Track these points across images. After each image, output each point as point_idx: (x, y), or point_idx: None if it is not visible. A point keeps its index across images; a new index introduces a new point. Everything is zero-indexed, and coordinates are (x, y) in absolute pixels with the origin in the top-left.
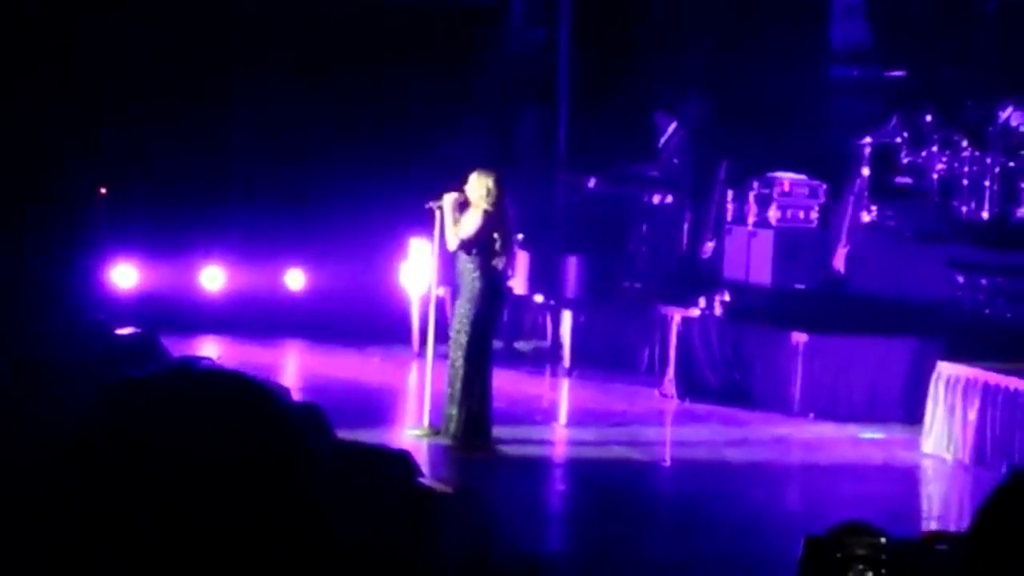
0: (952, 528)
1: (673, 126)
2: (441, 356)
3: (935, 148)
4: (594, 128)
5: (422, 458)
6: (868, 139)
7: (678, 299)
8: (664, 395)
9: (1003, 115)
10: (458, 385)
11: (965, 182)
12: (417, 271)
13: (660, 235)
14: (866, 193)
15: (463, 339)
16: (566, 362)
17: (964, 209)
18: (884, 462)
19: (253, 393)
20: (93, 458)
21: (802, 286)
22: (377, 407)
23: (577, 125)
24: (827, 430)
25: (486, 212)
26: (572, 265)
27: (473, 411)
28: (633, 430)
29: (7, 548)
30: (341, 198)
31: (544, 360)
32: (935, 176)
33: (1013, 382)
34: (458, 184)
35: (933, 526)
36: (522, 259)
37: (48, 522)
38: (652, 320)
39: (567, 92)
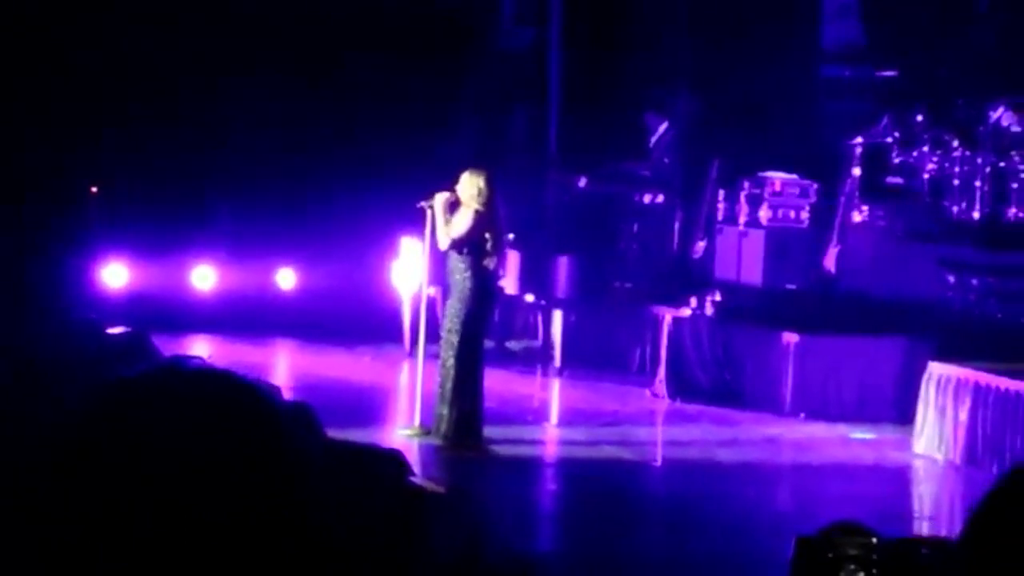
0: (943, 529)
1: (664, 126)
2: (432, 356)
3: (926, 148)
4: (585, 128)
5: (413, 458)
6: (859, 139)
7: (669, 299)
8: (655, 395)
9: (994, 115)
10: (449, 385)
11: (956, 182)
12: (408, 270)
13: (651, 235)
14: (857, 193)
15: (454, 339)
16: (557, 362)
17: (955, 209)
18: (875, 462)
19: (243, 392)
20: (84, 457)
21: (793, 286)
22: (368, 407)
23: (568, 125)
24: (818, 430)
25: (477, 212)
26: (563, 265)
27: (464, 411)
28: (624, 430)
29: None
30: (332, 198)
31: (535, 360)
32: (926, 176)
33: (1004, 382)
34: (449, 184)
35: (925, 526)
36: (513, 259)
37: (38, 522)
38: (643, 320)
39: (558, 92)
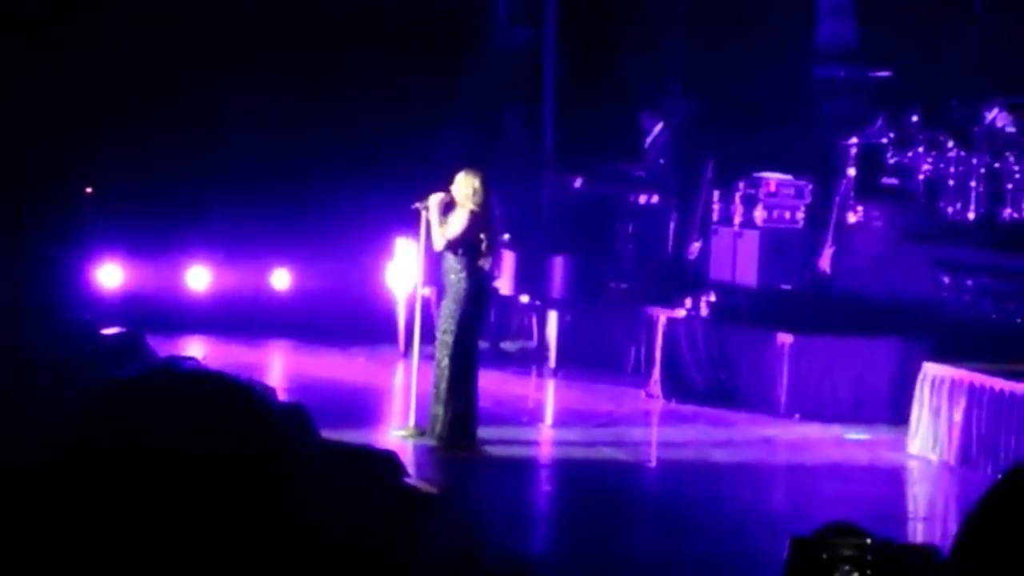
0: (938, 529)
1: (659, 126)
2: (427, 356)
3: (921, 149)
4: (580, 128)
5: (408, 458)
6: (854, 139)
7: (664, 299)
8: (650, 396)
9: (989, 116)
10: (444, 385)
11: (951, 183)
12: (403, 271)
13: (646, 235)
14: (852, 193)
15: (449, 339)
16: (552, 362)
17: (950, 210)
18: (870, 463)
19: (236, 393)
20: (84, 457)
21: (788, 287)
22: (363, 407)
23: (563, 125)
24: (813, 431)
25: (472, 212)
26: (558, 265)
27: (459, 411)
28: (619, 431)
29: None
30: (327, 198)
31: (530, 360)
32: (921, 177)
33: (998, 383)
34: (444, 184)
35: (920, 527)
36: (508, 259)
37: (38, 522)
38: (638, 320)
39: (553, 92)
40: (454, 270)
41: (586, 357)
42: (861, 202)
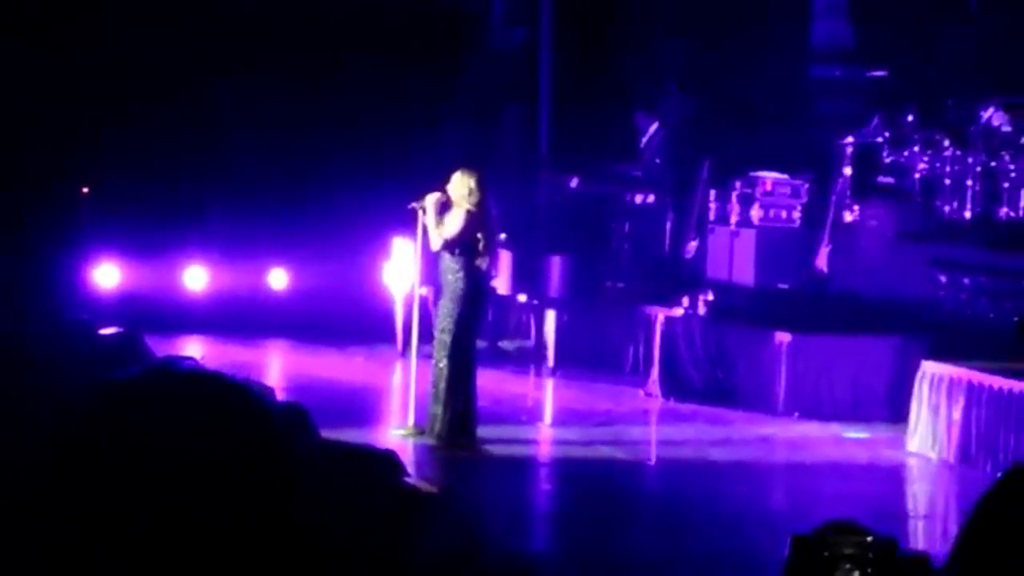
0: (938, 528)
1: (655, 126)
2: (425, 356)
3: (917, 148)
4: (576, 128)
5: (407, 458)
6: (850, 139)
7: (661, 299)
8: (648, 394)
9: (985, 115)
10: (442, 385)
11: (947, 182)
12: (400, 271)
13: (643, 235)
14: (848, 193)
15: (447, 339)
16: (550, 362)
17: (946, 209)
18: (869, 461)
19: (234, 393)
20: (83, 457)
21: (785, 286)
22: (361, 407)
23: (559, 125)
24: (811, 429)
25: (469, 212)
26: (555, 264)
27: (458, 411)
28: (618, 429)
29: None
30: (324, 198)
31: (528, 360)
32: (917, 176)
33: (997, 381)
34: (440, 184)
35: (919, 525)
36: (505, 259)
37: (38, 522)
38: (636, 320)
39: (549, 92)
40: (451, 270)
41: (584, 356)
42: (857, 201)
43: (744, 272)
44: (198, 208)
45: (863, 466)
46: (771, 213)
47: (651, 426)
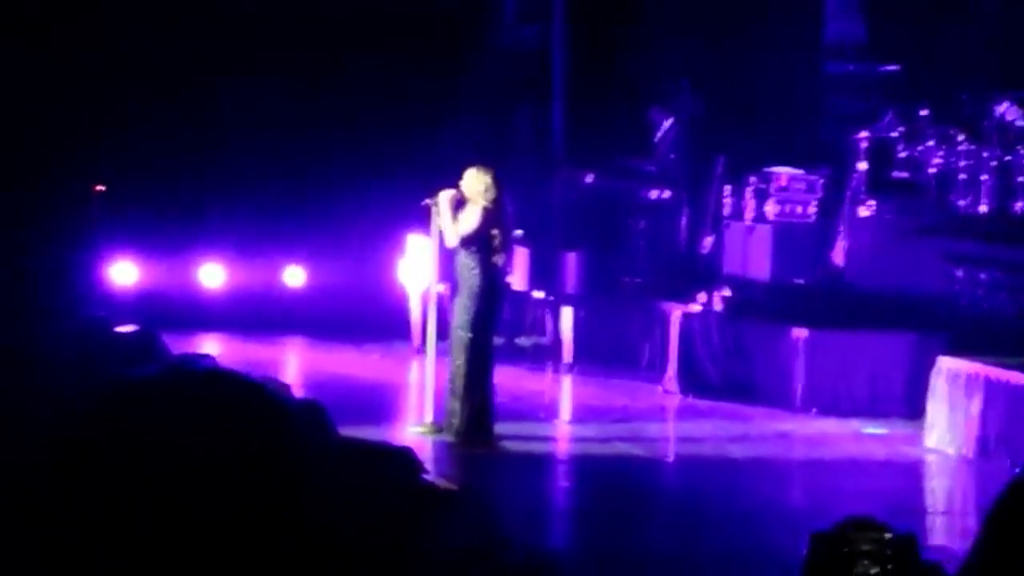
0: (957, 523)
1: (669, 122)
2: (441, 353)
3: (932, 143)
4: (590, 124)
5: (425, 455)
6: (865, 134)
7: (678, 295)
8: (666, 391)
9: (999, 110)
10: (460, 382)
11: (962, 176)
12: (416, 267)
13: (658, 230)
14: (863, 188)
15: (464, 336)
16: (567, 358)
17: (961, 203)
18: (887, 457)
19: (244, 393)
20: (90, 457)
21: (801, 281)
22: (379, 404)
23: (573, 121)
24: (829, 425)
25: (485, 208)
26: (571, 261)
27: (475, 408)
28: (635, 426)
29: (7, 548)
30: (340, 195)
31: (545, 356)
32: (932, 170)
33: (1015, 376)
34: (454, 181)
35: (938, 521)
36: (521, 255)
37: (43, 520)
38: (652, 316)
39: (563, 88)
40: (467, 266)
41: (601, 353)
42: (872, 196)
43: (760, 267)
44: (215, 206)
45: (881, 462)
46: (787, 208)
47: (668, 422)
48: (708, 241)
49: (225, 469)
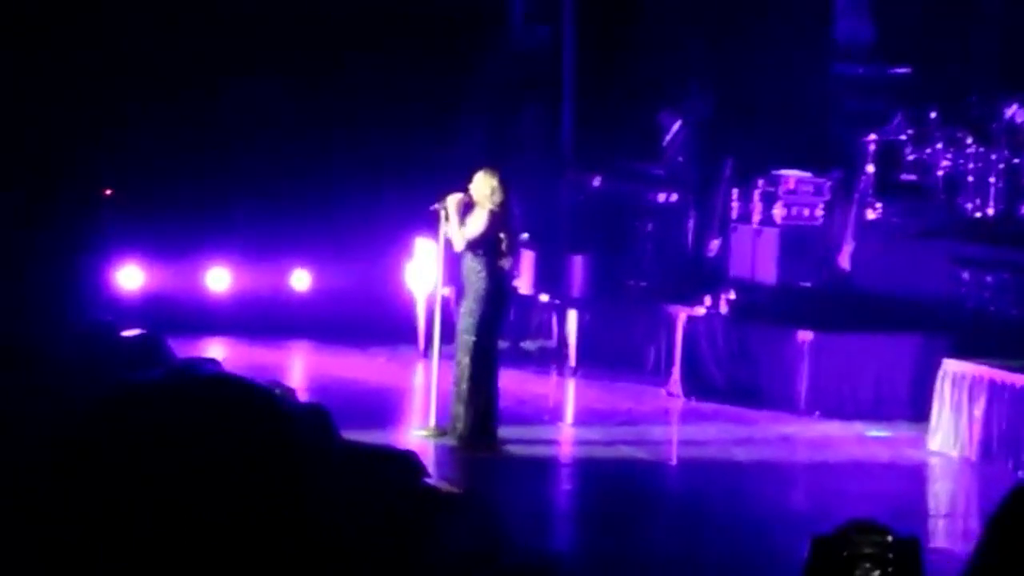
0: (960, 526)
1: (677, 124)
2: (447, 356)
3: (940, 145)
4: (598, 127)
5: (429, 458)
6: (873, 136)
7: (684, 298)
8: (670, 394)
9: (1008, 112)
10: (465, 385)
11: (970, 179)
12: (422, 271)
13: (665, 233)
14: (871, 190)
15: (469, 339)
16: (572, 361)
17: (969, 206)
18: (891, 460)
19: (251, 396)
20: (91, 458)
21: (807, 284)
22: (383, 407)
23: (581, 123)
24: (833, 428)
25: (492, 212)
26: (577, 264)
27: (480, 411)
28: (640, 429)
29: (7, 547)
30: (346, 198)
31: (550, 359)
32: (940, 173)
33: (1019, 379)
34: (462, 184)
35: (941, 524)
36: (527, 258)
37: (43, 520)
38: (658, 319)
39: (570, 90)
40: (474, 270)
41: (606, 356)
42: (880, 199)
43: (767, 270)
44: (221, 210)
45: (885, 465)
46: (794, 211)
47: (673, 425)
48: (715, 244)
49: (228, 471)
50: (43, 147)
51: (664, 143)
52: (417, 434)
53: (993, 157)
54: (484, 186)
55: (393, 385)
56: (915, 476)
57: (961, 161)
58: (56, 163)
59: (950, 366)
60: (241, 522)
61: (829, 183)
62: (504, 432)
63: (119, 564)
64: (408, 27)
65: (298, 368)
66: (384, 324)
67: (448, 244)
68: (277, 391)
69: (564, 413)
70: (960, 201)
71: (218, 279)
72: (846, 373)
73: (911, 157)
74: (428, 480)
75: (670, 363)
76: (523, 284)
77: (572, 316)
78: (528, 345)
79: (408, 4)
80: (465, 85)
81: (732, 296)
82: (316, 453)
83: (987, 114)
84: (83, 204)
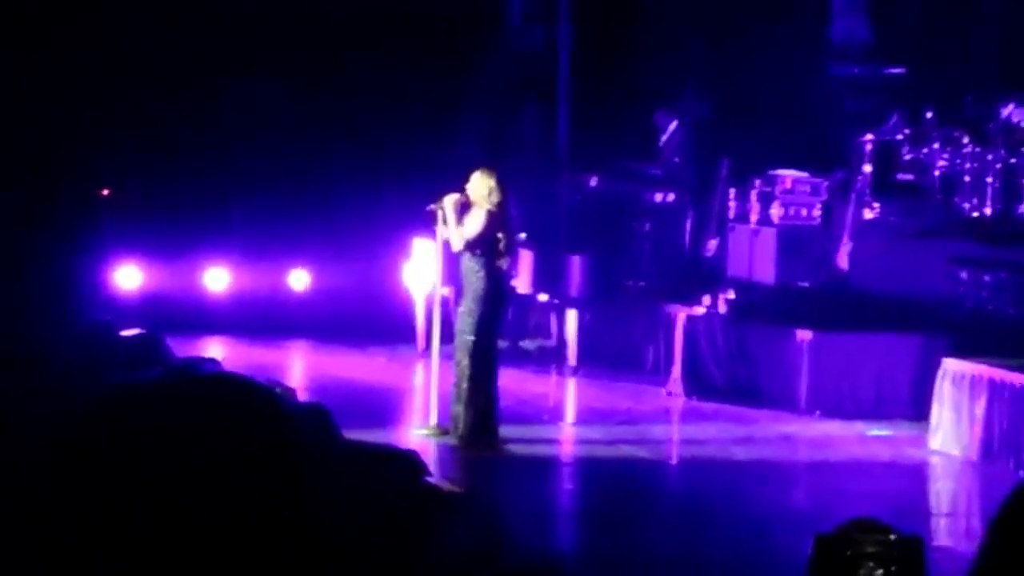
0: (961, 525)
1: (674, 124)
2: (446, 356)
3: (937, 145)
4: (595, 127)
5: (430, 458)
6: (870, 136)
7: (682, 297)
8: (670, 393)
9: (1004, 112)
10: (464, 385)
11: (967, 179)
12: (421, 271)
13: (663, 233)
14: (868, 190)
15: (468, 339)
16: (571, 361)
17: (966, 206)
18: (892, 459)
19: (251, 395)
20: (92, 459)
21: (806, 284)
22: (383, 407)
23: (578, 124)
24: (834, 428)
25: (489, 212)
26: (576, 264)
27: (480, 410)
28: (640, 428)
29: (7, 548)
30: (344, 198)
31: (549, 359)
32: (937, 173)
33: (1019, 378)
34: (459, 185)
35: (942, 523)
36: (525, 258)
37: (47, 522)
38: (657, 318)
39: (568, 91)
40: (472, 270)
41: (605, 355)
42: (877, 199)
43: (764, 270)
44: (219, 209)
45: (886, 464)
46: (791, 211)
47: (673, 425)
48: (712, 244)
49: (228, 471)
50: (43, 147)
51: (661, 143)
52: (418, 433)
53: (990, 157)
54: (482, 186)
55: (393, 385)
56: (916, 475)
57: (958, 161)
58: (56, 163)
59: (950, 365)
60: (241, 522)
61: (826, 183)
62: (504, 431)
63: (119, 564)
64: (407, 27)
65: (297, 368)
66: (383, 324)
67: (446, 244)
68: (277, 391)
69: (564, 412)
70: (957, 201)
71: (217, 279)
72: (845, 372)
73: (908, 157)
74: (429, 479)
75: (669, 362)
76: (521, 284)
77: (571, 316)
78: (527, 344)
79: (407, 4)
80: (464, 85)
81: (731, 296)
82: (316, 453)
83: (984, 114)
84: (82, 204)
